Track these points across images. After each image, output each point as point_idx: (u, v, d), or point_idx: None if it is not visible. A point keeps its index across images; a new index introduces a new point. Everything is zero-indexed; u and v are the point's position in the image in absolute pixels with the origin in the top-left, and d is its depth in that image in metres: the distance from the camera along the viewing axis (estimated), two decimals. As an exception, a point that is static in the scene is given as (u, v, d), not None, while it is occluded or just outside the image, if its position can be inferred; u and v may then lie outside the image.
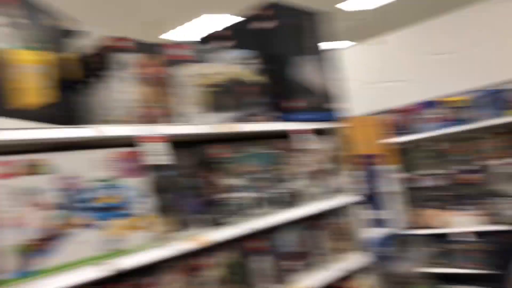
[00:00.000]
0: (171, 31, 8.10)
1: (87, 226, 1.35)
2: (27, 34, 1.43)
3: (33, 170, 1.27)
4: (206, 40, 2.46)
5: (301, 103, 2.18)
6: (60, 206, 1.30)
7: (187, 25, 7.77)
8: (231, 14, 7.67)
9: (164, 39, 8.46)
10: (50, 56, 1.51)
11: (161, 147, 1.54)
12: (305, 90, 2.22)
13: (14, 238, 1.20)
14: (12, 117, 1.29)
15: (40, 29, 1.49)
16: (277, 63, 2.16)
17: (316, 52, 2.36)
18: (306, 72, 2.25)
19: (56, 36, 1.58)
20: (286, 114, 2.13)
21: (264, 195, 1.96)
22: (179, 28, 7.93)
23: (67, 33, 1.66)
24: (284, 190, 2.06)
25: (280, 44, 2.16)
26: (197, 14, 7.43)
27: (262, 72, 2.11)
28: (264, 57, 2.14)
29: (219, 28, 2.41)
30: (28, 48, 1.42)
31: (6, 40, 1.33)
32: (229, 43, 2.35)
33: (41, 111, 1.42)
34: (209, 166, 1.82)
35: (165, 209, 1.64)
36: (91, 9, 6.76)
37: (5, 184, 1.20)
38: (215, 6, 7.33)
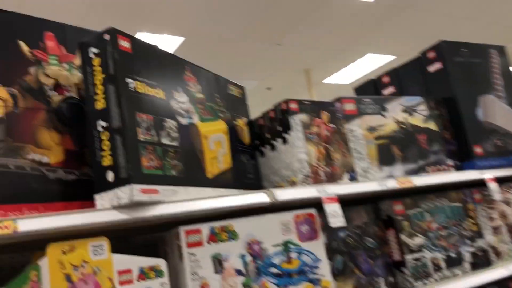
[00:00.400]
0: (334, 74, 8.26)
1: (269, 292, 1.33)
2: (206, 107, 1.52)
3: (218, 237, 1.30)
4: (368, 87, 2.38)
5: (485, 148, 1.94)
6: (243, 272, 1.31)
7: (350, 66, 7.85)
8: (394, 55, 7.58)
9: (327, 84, 8.65)
10: (225, 124, 1.59)
11: (336, 207, 1.48)
12: (488, 133, 1.98)
13: (204, 306, 1.22)
14: (201, 186, 1.36)
15: (215, 100, 1.58)
16: (452, 106, 1.97)
17: (496, 89, 2.11)
18: (488, 112, 2.01)
19: (229, 104, 1.66)
20: (469, 162, 1.91)
21: (450, 254, 1.75)
22: (343, 70, 8.05)
23: (238, 100, 1.74)
24: (473, 249, 1.82)
25: (454, 86, 1.98)
26: (361, 54, 7.46)
27: (436, 117, 1.95)
28: (436, 101, 1.98)
29: (381, 72, 2.32)
30: (207, 119, 1.50)
31: (190, 115, 1.42)
32: (394, 89, 2.24)
33: (220, 177, 1.48)
34: (388, 223, 1.69)
35: (342, 273, 1.55)
36: (252, 61, 7.26)
37: (194, 252, 1.25)
38: (380, 46, 7.30)
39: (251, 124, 1.76)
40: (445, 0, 6.51)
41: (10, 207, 1.13)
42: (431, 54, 2.05)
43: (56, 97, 1.31)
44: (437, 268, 1.70)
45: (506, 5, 6.96)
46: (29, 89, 1.26)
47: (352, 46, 7.18)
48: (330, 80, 8.57)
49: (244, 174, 1.62)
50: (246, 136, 1.70)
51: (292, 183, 1.57)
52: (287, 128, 1.60)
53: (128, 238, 1.58)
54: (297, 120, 1.60)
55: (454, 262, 1.75)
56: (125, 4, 5.19)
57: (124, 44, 1.26)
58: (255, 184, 1.66)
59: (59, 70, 1.34)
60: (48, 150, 1.25)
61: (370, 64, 7.95)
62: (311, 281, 1.41)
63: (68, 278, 1.09)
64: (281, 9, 5.99)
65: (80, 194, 1.28)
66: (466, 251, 1.80)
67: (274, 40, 6.83)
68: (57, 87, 1.33)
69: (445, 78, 2.01)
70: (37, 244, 1.31)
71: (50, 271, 1.07)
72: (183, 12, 5.60)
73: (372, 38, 7.13)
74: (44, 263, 1.07)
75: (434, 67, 2.04)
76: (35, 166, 1.21)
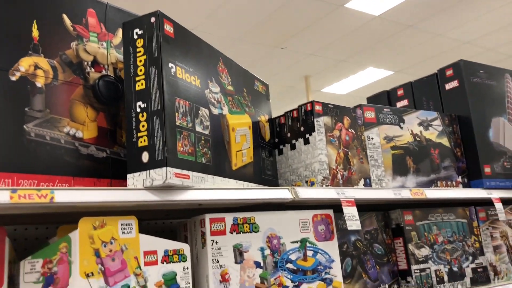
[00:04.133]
0: (334, 84, 8.33)
1: (283, 287, 1.35)
2: (234, 99, 1.53)
3: (241, 228, 1.32)
4: (381, 98, 2.42)
5: (493, 168, 1.99)
6: (261, 265, 1.33)
7: (351, 77, 7.92)
8: (393, 70, 7.68)
9: (324, 93, 8.72)
10: (250, 118, 1.61)
11: (353, 210, 1.51)
12: (497, 154, 2.03)
13: (222, 294, 1.24)
14: (226, 177, 1.38)
15: (243, 94, 1.60)
16: (465, 124, 2.02)
17: (508, 112, 2.16)
18: (497, 134, 2.07)
19: (254, 100, 1.68)
20: (477, 181, 1.96)
21: (453, 268, 1.79)
22: (343, 80, 8.11)
23: (262, 96, 1.76)
24: (474, 265, 1.86)
25: (469, 105, 2.03)
26: (363, 67, 7.54)
27: (449, 134, 1.99)
28: (451, 118, 2.02)
29: (377, 86, 2.36)
30: (235, 112, 1.52)
31: (221, 106, 1.44)
32: (407, 102, 2.28)
33: (243, 170, 1.50)
34: (396, 232, 1.73)
35: (350, 275, 1.58)
36: (254, 62, 7.28)
37: (217, 239, 1.26)
38: (381, 60, 7.39)
39: (271, 121, 1.78)
40: (446, 24, 6.63)
41: (44, 177, 1.14)
42: (449, 72, 2.10)
43: (93, 74, 1.31)
44: (440, 280, 1.74)
45: (504, 35, 7.12)
46: (69, 63, 1.26)
47: (355, 58, 7.26)
48: (328, 89, 8.64)
49: (263, 170, 1.64)
50: (267, 133, 1.72)
51: (311, 184, 1.59)
52: (310, 129, 1.63)
53: (143, 221, 1.59)
54: (321, 122, 1.63)
55: (456, 276, 1.79)
56: (136, -9, 5.17)
57: (169, 28, 1.27)
58: (272, 181, 1.68)
59: (98, 47, 1.35)
60: (82, 125, 1.25)
61: (368, 77, 8.04)
62: (324, 280, 1.43)
63: (97, 253, 1.10)
64: (288, 13, 6.03)
65: (109, 172, 1.28)
66: (468, 267, 1.84)
67: (278, 43, 6.86)
68: (95, 64, 1.33)
69: (460, 97, 2.05)
70: (58, 217, 1.32)
71: (80, 244, 1.08)
72: (189, 8, 5.61)
73: (375, 52, 7.21)
74: (75, 236, 1.08)
75: (451, 85, 2.09)
76: (69, 139, 1.21)
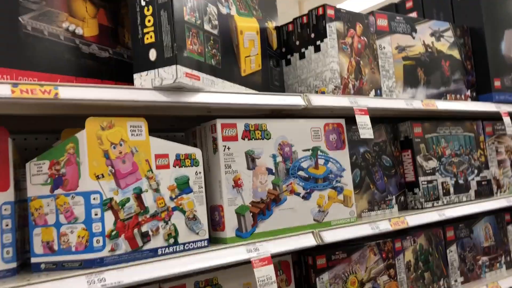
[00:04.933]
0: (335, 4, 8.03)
1: (294, 194, 1.32)
2: (241, 0, 1.43)
3: (252, 134, 1.26)
4: (389, 10, 2.31)
5: (503, 82, 1.94)
6: (273, 172, 1.29)
7: (347, 2, 7.61)
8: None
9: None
10: (258, 23, 1.51)
11: (366, 119, 1.46)
12: (508, 68, 1.97)
13: (235, 198, 1.21)
14: (236, 82, 1.31)
15: (254, -5, 1.49)
16: (477, 36, 1.94)
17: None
18: (510, 47, 1.99)
19: (261, 3, 1.57)
20: (486, 95, 1.91)
21: (459, 181, 1.79)
22: (338, 6, 7.82)
23: (269, 1, 1.64)
24: (479, 178, 1.86)
25: (482, 16, 1.93)
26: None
27: (460, 46, 1.92)
28: (462, 29, 1.94)
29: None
30: (243, 14, 1.42)
31: (229, 5, 1.33)
32: (416, 15, 2.18)
33: (251, 78, 1.42)
34: (405, 144, 1.70)
35: (359, 186, 1.57)
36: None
37: (229, 145, 1.21)
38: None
39: (278, 29, 1.68)
40: None
41: (44, 75, 1.06)
42: (462, -19, 1.99)
43: (90, -34, 1.19)
44: (446, 192, 1.74)
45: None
46: (64, -49, 1.14)
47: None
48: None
49: (271, 80, 1.57)
50: (274, 41, 1.63)
51: (321, 94, 1.53)
52: (321, 35, 1.54)
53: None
54: (333, 28, 1.54)
55: (461, 189, 1.79)
56: None
57: None
58: (280, 92, 1.61)
59: None
60: (82, 22, 1.15)
61: (361, 3, 7.73)
62: (334, 188, 1.41)
63: (106, 154, 1.04)
64: None
65: (113, 73, 1.20)
66: (473, 180, 1.84)
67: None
68: (91, -45, 1.21)
69: (474, 7, 1.96)
70: (59, 125, 1.25)
71: (89, 145, 1.02)
72: None
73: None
74: (83, 136, 1.02)
75: (463, -5, 1.98)
76: (69, 36, 1.12)
